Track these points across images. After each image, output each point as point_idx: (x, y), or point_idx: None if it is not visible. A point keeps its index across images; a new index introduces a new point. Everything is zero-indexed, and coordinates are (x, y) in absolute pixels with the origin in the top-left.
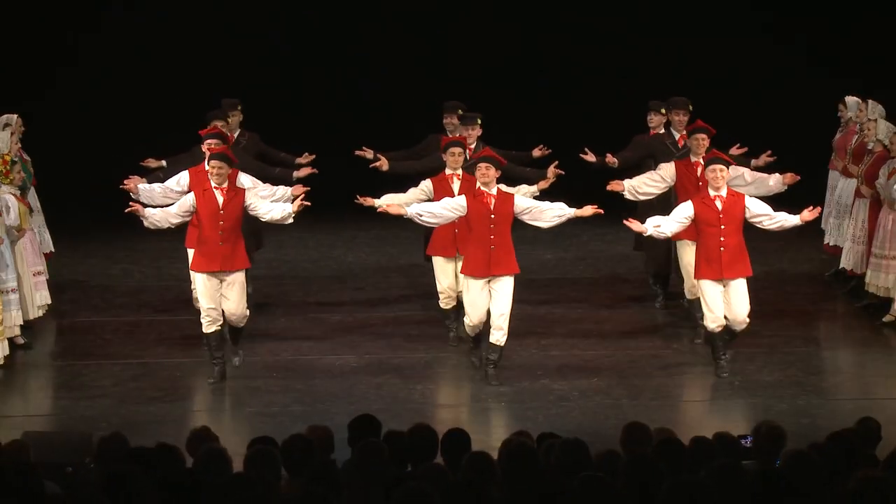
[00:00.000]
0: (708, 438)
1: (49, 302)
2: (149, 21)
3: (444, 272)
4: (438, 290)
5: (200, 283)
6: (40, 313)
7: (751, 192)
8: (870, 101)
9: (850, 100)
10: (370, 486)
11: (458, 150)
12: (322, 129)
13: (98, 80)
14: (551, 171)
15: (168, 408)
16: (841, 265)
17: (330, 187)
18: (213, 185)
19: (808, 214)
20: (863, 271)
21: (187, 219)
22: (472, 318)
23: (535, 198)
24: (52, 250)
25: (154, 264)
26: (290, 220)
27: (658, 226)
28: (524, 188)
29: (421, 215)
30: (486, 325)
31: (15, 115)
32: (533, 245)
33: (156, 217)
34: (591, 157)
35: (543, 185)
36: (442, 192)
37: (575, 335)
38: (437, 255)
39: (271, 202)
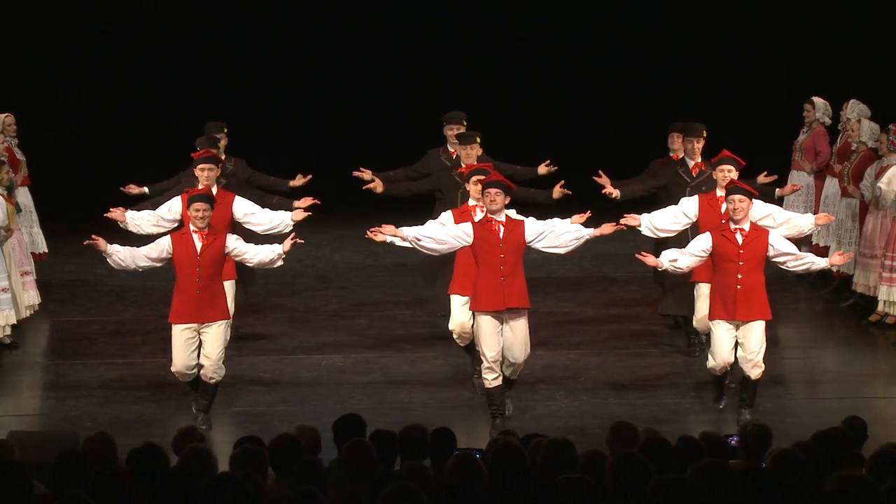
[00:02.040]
0: (694, 438)
1: (37, 302)
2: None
3: (460, 312)
4: (451, 328)
5: (175, 336)
6: (28, 313)
7: (781, 233)
8: (851, 101)
9: (818, 101)
10: (357, 485)
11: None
12: (311, 131)
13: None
14: (557, 191)
15: (154, 407)
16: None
17: (317, 187)
18: (191, 228)
19: (837, 259)
20: (851, 272)
21: (158, 265)
22: (487, 356)
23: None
24: (45, 251)
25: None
26: (280, 263)
27: (674, 260)
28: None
29: (420, 240)
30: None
31: (2, 116)
32: None
33: (121, 256)
34: (606, 182)
35: (577, 219)
36: None
37: (561, 335)
38: (456, 294)
39: (258, 246)
